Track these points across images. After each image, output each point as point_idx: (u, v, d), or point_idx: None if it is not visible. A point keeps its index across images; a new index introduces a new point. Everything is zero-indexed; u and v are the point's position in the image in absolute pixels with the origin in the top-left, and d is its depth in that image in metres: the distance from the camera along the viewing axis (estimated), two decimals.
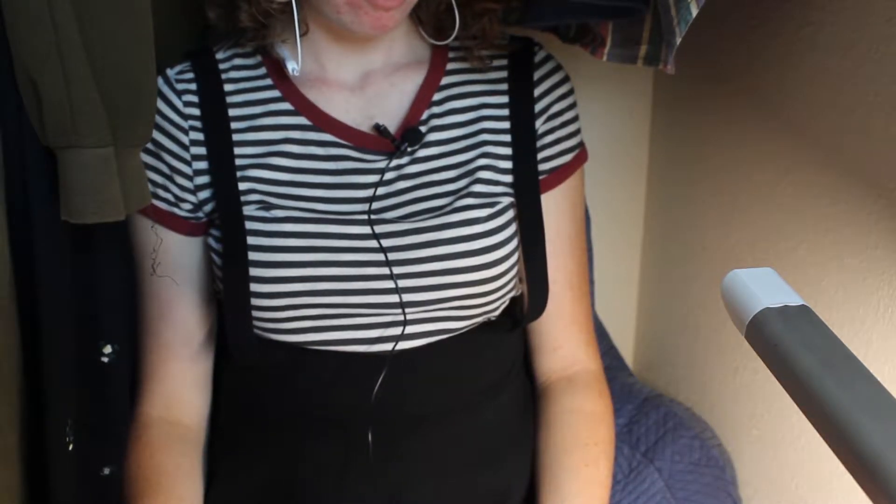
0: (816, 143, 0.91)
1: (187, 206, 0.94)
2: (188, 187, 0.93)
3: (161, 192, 0.93)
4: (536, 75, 0.98)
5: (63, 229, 0.79)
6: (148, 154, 0.93)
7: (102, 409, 0.91)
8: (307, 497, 0.93)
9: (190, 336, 0.97)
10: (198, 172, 0.93)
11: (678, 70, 0.89)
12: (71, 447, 0.84)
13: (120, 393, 0.94)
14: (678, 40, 0.82)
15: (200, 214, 0.94)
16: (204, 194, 0.93)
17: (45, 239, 0.79)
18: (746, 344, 0.54)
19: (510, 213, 0.93)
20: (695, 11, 0.78)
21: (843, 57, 0.86)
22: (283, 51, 0.93)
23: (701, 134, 1.18)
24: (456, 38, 0.95)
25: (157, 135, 0.92)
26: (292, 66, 0.91)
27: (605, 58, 1.00)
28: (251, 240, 0.89)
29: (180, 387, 0.98)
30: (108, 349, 0.90)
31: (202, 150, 0.93)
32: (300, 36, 0.91)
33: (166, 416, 0.97)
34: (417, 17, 0.96)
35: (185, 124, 0.93)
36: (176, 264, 0.95)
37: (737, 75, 1.07)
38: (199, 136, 0.93)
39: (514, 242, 0.93)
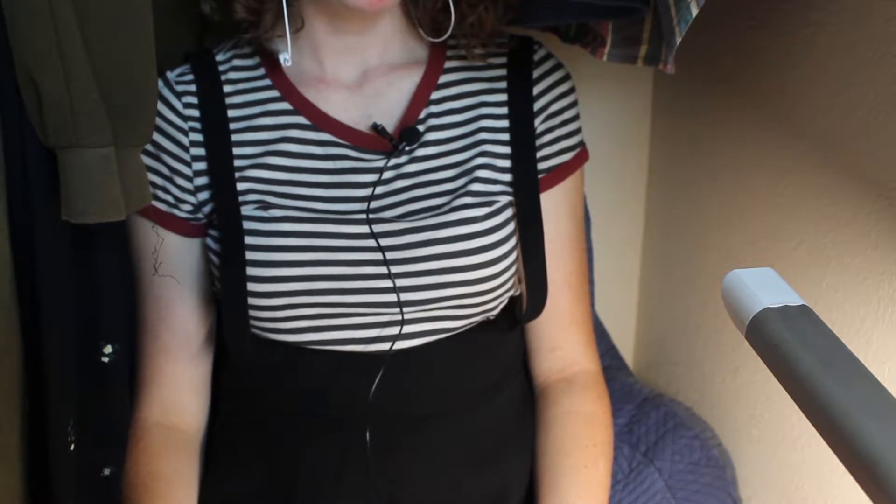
0: (816, 144, 0.91)
1: (187, 208, 0.94)
2: (188, 188, 0.93)
3: (161, 194, 0.93)
4: (535, 73, 0.98)
5: (64, 229, 0.79)
6: (148, 156, 0.93)
7: (103, 409, 0.91)
8: (305, 496, 0.93)
9: (189, 338, 0.97)
10: (197, 173, 0.93)
11: (678, 70, 0.89)
12: (72, 447, 0.84)
13: (120, 393, 0.94)
14: (678, 40, 0.82)
15: (200, 216, 0.94)
16: (203, 195, 0.93)
17: (46, 239, 0.79)
18: (746, 344, 0.54)
19: (508, 213, 0.93)
20: (695, 11, 0.78)
21: (843, 57, 0.86)
22: (279, 45, 0.93)
23: (701, 134, 1.18)
24: (453, 36, 0.95)
25: (156, 136, 0.92)
26: (284, 58, 0.91)
27: (605, 58, 1.00)
28: (249, 239, 0.89)
29: (179, 391, 0.98)
30: (108, 349, 0.90)
31: (201, 151, 0.93)
32: (297, 31, 0.91)
33: (164, 422, 0.97)
34: (414, 17, 0.96)
35: (184, 126, 0.93)
36: (176, 266, 0.95)
37: (737, 76, 1.07)
38: (199, 138, 0.94)
39: (512, 242, 0.93)
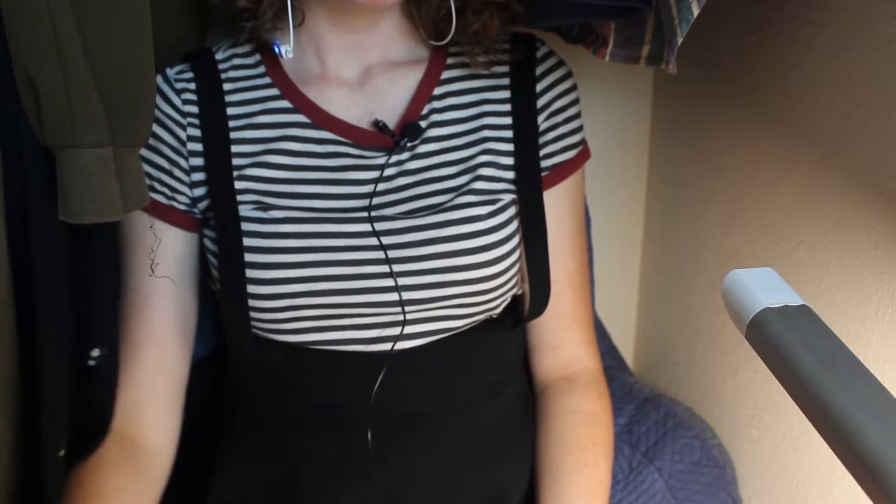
0: (816, 143, 0.91)
1: (184, 200, 0.94)
2: (185, 181, 0.93)
3: (158, 186, 0.93)
4: (538, 71, 0.98)
5: (61, 229, 0.79)
6: (146, 147, 0.92)
7: (88, 414, 0.89)
8: (307, 496, 0.93)
9: (163, 336, 0.93)
10: (194, 169, 0.93)
11: (679, 70, 0.89)
12: (62, 452, 0.83)
13: (105, 398, 0.91)
14: (679, 40, 0.82)
15: (196, 211, 0.94)
16: (199, 191, 0.93)
17: (44, 239, 0.79)
18: (746, 344, 0.54)
19: (511, 211, 0.93)
20: (696, 11, 0.78)
21: (843, 57, 0.85)
22: (279, 37, 0.93)
23: (701, 134, 1.17)
24: (455, 41, 0.95)
25: (155, 128, 0.92)
26: (286, 49, 0.91)
27: (607, 58, 1.00)
28: (248, 241, 0.89)
29: (144, 398, 0.93)
30: (95, 353, 0.87)
31: (199, 147, 0.93)
32: (298, 26, 0.91)
33: (122, 431, 0.91)
34: (416, 19, 0.96)
35: (183, 121, 0.93)
36: (166, 260, 0.94)
37: (737, 75, 1.06)
38: (197, 133, 0.93)
39: (515, 240, 0.93)
